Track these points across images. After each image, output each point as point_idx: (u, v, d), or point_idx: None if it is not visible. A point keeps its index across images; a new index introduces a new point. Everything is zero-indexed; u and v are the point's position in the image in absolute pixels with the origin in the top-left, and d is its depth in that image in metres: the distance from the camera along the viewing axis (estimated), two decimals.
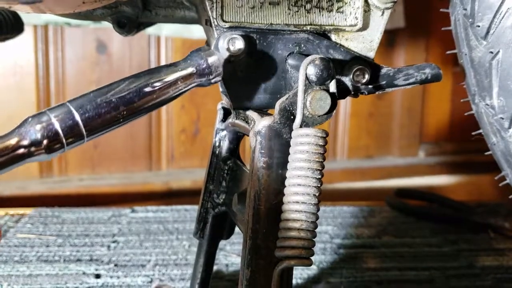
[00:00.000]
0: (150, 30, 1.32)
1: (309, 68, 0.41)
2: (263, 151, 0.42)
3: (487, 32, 0.48)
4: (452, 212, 1.03)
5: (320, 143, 0.40)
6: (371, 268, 0.83)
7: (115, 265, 0.80)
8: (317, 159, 0.40)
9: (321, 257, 0.86)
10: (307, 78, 0.41)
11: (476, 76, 0.51)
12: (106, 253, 0.84)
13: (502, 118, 0.50)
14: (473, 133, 0.56)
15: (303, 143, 0.40)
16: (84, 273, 0.77)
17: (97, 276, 0.77)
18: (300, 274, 0.79)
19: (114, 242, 0.89)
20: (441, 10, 0.53)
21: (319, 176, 0.40)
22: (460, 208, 1.05)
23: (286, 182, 0.40)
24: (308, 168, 0.39)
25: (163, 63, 1.39)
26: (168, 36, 1.36)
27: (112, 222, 0.98)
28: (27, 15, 1.20)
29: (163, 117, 1.41)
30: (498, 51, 0.48)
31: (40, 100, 1.31)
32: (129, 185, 1.38)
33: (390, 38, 1.55)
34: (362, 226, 0.99)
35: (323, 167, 0.40)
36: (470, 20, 0.49)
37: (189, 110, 1.42)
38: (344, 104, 1.58)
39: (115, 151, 1.40)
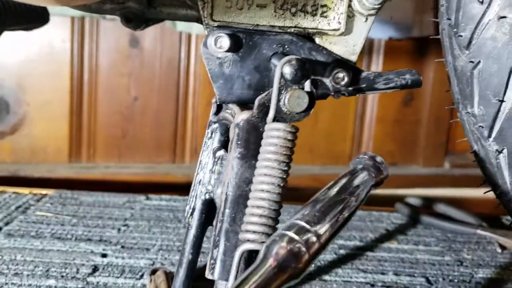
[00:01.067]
0: (181, 27, 1.37)
1: (285, 68, 0.44)
2: (239, 142, 0.45)
3: (469, 42, 0.50)
4: (461, 223, 1.03)
5: (289, 138, 0.43)
6: (368, 270, 0.84)
7: (122, 246, 0.85)
8: (284, 152, 0.42)
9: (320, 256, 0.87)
10: (283, 76, 0.44)
11: (459, 84, 0.53)
12: (116, 235, 0.89)
13: (482, 127, 0.52)
14: (458, 141, 0.57)
15: (273, 136, 0.43)
16: (92, 252, 0.82)
17: (104, 255, 0.82)
18: None
19: (124, 225, 0.93)
20: (429, 19, 0.55)
21: (285, 168, 0.42)
22: (470, 220, 1.04)
23: (255, 172, 0.43)
24: (275, 160, 0.42)
25: (193, 60, 1.43)
26: (198, 34, 1.41)
27: (126, 207, 1.03)
28: (63, 8, 1.26)
29: (189, 113, 1.46)
30: (479, 61, 0.50)
31: (74, 88, 1.38)
32: (152, 175, 1.44)
33: (419, 47, 1.55)
34: (367, 230, 1.01)
35: (290, 159, 0.43)
36: (454, 30, 0.51)
37: None
38: (371, 109, 1.59)
39: (142, 142, 1.46)
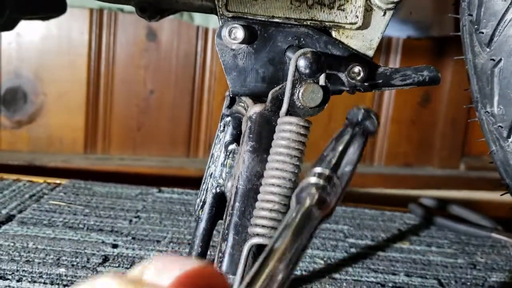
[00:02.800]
0: (198, 21, 1.37)
1: (300, 60, 0.43)
2: (251, 135, 0.45)
3: (491, 39, 0.48)
4: (476, 226, 1.01)
5: (302, 132, 0.42)
6: (378, 270, 0.83)
7: (133, 238, 0.85)
8: (296, 146, 0.42)
9: (330, 253, 0.87)
10: (297, 70, 0.43)
11: (478, 83, 0.51)
12: (127, 226, 0.89)
13: (501, 127, 0.50)
14: (477, 140, 0.56)
15: (285, 130, 0.42)
16: (103, 242, 0.83)
17: (114, 246, 0.82)
18: (306, 267, 0.81)
19: (136, 217, 0.94)
20: (449, 15, 0.54)
21: (297, 163, 0.42)
22: (484, 223, 1.03)
23: (267, 166, 0.43)
24: (287, 154, 0.42)
25: (209, 54, 1.43)
26: (215, 28, 1.41)
27: (138, 199, 1.03)
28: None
29: (204, 107, 1.46)
30: (500, 59, 0.48)
31: (90, 80, 1.39)
32: (166, 169, 1.44)
33: (439, 46, 1.53)
34: (380, 230, 1.00)
35: (302, 154, 0.43)
36: (475, 26, 0.50)
37: None
38: (386, 109, 1.57)
39: (157, 135, 1.46)
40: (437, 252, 0.92)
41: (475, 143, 1.61)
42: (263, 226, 0.41)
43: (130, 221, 0.92)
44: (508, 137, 0.50)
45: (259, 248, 0.41)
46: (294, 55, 0.43)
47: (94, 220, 0.90)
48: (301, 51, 0.43)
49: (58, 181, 1.09)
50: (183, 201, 1.04)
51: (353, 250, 0.89)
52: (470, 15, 0.49)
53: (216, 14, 0.48)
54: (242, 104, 0.50)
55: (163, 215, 0.96)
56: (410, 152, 1.62)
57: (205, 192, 0.59)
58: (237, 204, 0.43)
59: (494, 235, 0.99)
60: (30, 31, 1.35)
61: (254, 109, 0.45)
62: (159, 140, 1.48)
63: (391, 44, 1.50)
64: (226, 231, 0.42)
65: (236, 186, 0.43)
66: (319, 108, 0.46)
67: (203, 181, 0.60)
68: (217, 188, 0.57)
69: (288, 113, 0.44)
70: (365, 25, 0.48)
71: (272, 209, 0.41)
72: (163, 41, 1.42)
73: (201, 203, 0.58)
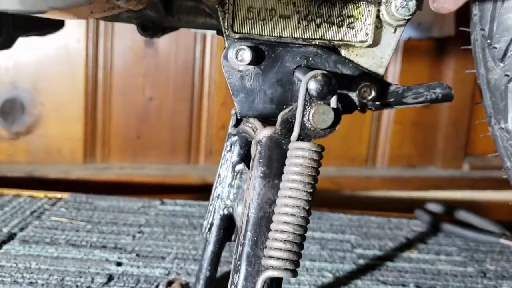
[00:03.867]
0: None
1: (311, 83, 0.42)
2: (261, 160, 0.43)
3: (504, 54, 0.47)
4: (483, 232, 1.00)
5: (315, 157, 0.41)
6: (388, 281, 0.82)
7: (137, 255, 0.84)
8: (310, 173, 0.40)
9: (338, 265, 0.86)
10: (308, 92, 0.42)
11: (491, 98, 0.50)
12: (130, 242, 0.88)
13: None
14: (490, 155, 0.55)
15: (297, 156, 0.41)
16: (107, 260, 0.81)
17: (119, 264, 0.80)
18: (314, 281, 0.80)
19: (139, 232, 0.92)
20: (460, 28, 0.52)
21: (311, 190, 0.40)
22: (492, 228, 1.02)
23: (279, 193, 0.41)
24: (300, 181, 0.40)
25: (207, 60, 1.42)
26: (213, 35, 1.39)
27: (141, 212, 1.01)
28: None
29: (204, 113, 1.44)
30: None
31: (88, 89, 1.37)
32: (167, 177, 1.42)
33: (439, 47, 1.52)
34: (387, 238, 0.98)
35: (316, 181, 0.41)
36: (488, 41, 0.48)
37: (230, 107, 1.44)
38: (388, 111, 1.56)
39: (157, 143, 1.45)
40: (446, 261, 0.91)
41: (478, 142, 1.60)
42: (278, 258, 0.39)
43: (134, 236, 0.90)
44: None
45: (272, 281, 0.40)
46: (305, 78, 0.41)
47: (97, 237, 0.89)
48: (312, 73, 0.42)
49: (59, 195, 1.07)
50: (186, 213, 1.03)
51: (361, 261, 0.88)
52: (482, 29, 0.48)
53: (221, 35, 0.46)
54: (249, 125, 0.49)
55: (166, 229, 0.94)
56: (413, 154, 1.61)
57: (212, 214, 0.57)
58: (248, 233, 0.41)
59: (502, 240, 0.97)
60: (26, 41, 1.33)
61: (264, 133, 0.43)
62: (159, 147, 1.46)
63: None
64: (238, 262, 0.41)
65: (248, 214, 0.42)
66: (330, 130, 0.45)
67: (210, 202, 0.59)
68: (225, 210, 0.56)
69: (300, 137, 0.42)
70: (375, 42, 0.47)
71: (286, 240, 0.39)
72: (161, 47, 1.40)
73: (208, 226, 0.57)
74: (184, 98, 1.43)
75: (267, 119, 0.47)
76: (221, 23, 0.45)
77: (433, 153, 1.61)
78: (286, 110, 0.44)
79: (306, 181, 0.40)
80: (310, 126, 0.44)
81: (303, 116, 0.43)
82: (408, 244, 0.97)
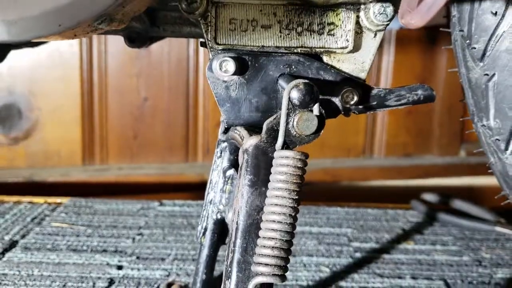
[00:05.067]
0: None
1: (293, 92, 0.43)
2: (248, 169, 0.44)
3: (483, 54, 0.48)
4: (479, 220, 1.01)
5: (299, 165, 0.42)
6: (384, 274, 0.83)
7: (137, 257, 0.85)
8: (294, 181, 0.42)
9: (336, 259, 0.87)
10: (290, 101, 0.43)
11: (473, 96, 0.51)
12: (130, 245, 0.89)
13: (499, 140, 0.50)
14: (475, 151, 0.56)
15: (282, 164, 0.42)
16: (107, 264, 0.83)
17: (119, 267, 0.82)
18: (312, 276, 0.81)
19: (139, 234, 0.94)
20: (441, 29, 0.53)
21: (296, 197, 0.42)
22: (487, 216, 1.03)
23: (266, 201, 0.42)
24: (286, 189, 0.41)
25: (201, 58, 1.42)
26: None
27: (140, 214, 1.03)
28: None
29: (200, 111, 1.45)
30: (494, 74, 0.48)
31: (84, 92, 1.38)
32: (165, 176, 1.44)
33: (431, 35, 1.52)
34: (383, 230, 1.00)
35: (301, 187, 0.42)
36: (467, 41, 0.49)
37: None
38: None
39: (154, 142, 1.46)
40: (442, 251, 0.92)
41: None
42: (266, 265, 0.40)
43: (133, 239, 0.92)
44: (506, 149, 0.50)
45: (262, 286, 0.41)
46: (287, 87, 0.42)
47: (97, 241, 0.90)
48: (293, 83, 0.43)
49: (59, 200, 1.09)
50: (184, 213, 1.04)
51: (358, 254, 0.89)
52: (461, 30, 0.49)
53: (206, 46, 0.47)
54: (237, 132, 0.50)
55: (165, 230, 0.96)
56: (409, 142, 1.62)
57: (206, 219, 0.58)
58: (238, 240, 0.43)
59: (497, 228, 0.99)
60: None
61: (250, 142, 0.44)
62: (157, 147, 1.47)
63: (384, 35, 1.49)
64: (229, 269, 0.42)
65: (237, 222, 0.43)
66: (315, 135, 0.46)
67: (203, 207, 0.60)
68: (218, 214, 0.57)
69: (284, 145, 0.43)
70: (356, 48, 0.48)
71: (274, 247, 0.40)
72: (154, 47, 1.41)
73: (202, 230, 0.58)
74: (179, 96, 1.44)
75: (253, 127, 0.48)
76: (204, 35, 0.46)
77: (429, 141, 1.62)
78: (271, 119, 0.45)
79: (291, 188, 0.41)
80: (295, 133, 0.45)
81: (287, 124, 0.44)
82: (405, 236, 0.98)
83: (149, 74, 1.42)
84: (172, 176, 1.45)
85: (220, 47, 0.47)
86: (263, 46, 0.47)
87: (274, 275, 0.40)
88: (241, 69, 0.47)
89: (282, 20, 0.46)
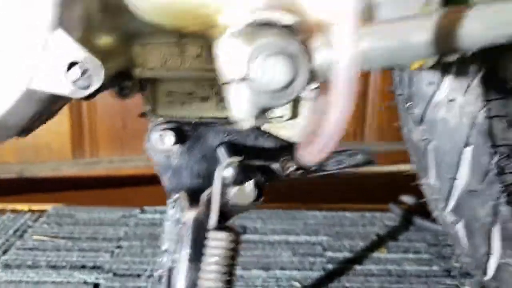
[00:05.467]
0: None
1: (226, 172, 0.43)
2: (187, 243, 0.45)
3: (421, 119, 0.48)
4: None
5: (231, 247, 0.43)
6: (353, 287, 0.85)
7: (114, 274, 0.88)
8: (226, 263, 0.43)
9: (308, 272, 0.89)
10: (224, 180, 0.44)
11: (416, 155, 0.51)
12: (108, 260, 0.92)
13: (438, 199, 0.51)
14: (420, 200, 0.57)
15: (216, 246, 0.43)
16: (85, 282, 0.85)
17: (96, 285, 0.85)
18: None
19: (118, 247, 0.96)
20: (385, 88, 0.53)
21: (229, 278, 0.43)
22: None
23: (202, 276, 0.44)
24: (218, 272, 0.43)
25: None
26: None
27: (121, 224, 1.05)
28: None
29: None
30: (432, 139, 0.48)
31: None
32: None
33: None
34: (358, 237, 1.01)
35: (234, 265, 0.44)
36: (408, 104, 0.49)
37: None
38: (374, 84, 1.55)
39: (143, 132, 1.47)
40: (413, 260, 0.94)
41: None
42: None
43: (112, 252, 0.94)
44: (444, 209, 0.51)
45: None
46: (219, 167, 0.43)
47: (76, 255, 0.93)
48: (226, 162, 0.43)
49: (43, 207, 1.11)
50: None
51: (330, 266, 0.91)
52: (401, 94, 0.49)
53: (145, 117, 0.48)
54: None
55: (144, 241, 0.98)
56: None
57: (161, 267, 0.60)
58: None
59: None
60: None
61: (189, 215, 0.45)
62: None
63: None
64: None
65: None
66: (255, 202, 0.47)
67: (161, 254, 0.61)
68: (173, 263, 0.59)
69: (218, 224, 0.44)
70: (295, 114, 0.48)
71: None
72: None
73: (158, 278, 0.60)
74: None
75: (194, 192, 0.49)
76: (144, 106, 0.47)
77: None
78: (208, 191, 0.46)
79: (223, 271, 0.43)
80: (233, 203, 0.46)
81: (225, 194, 0.45)
82: (379, 242, 1.00)
83: None
84: None
85: (160, 119, 0.47)
86: (201, 117, 0.47)
87: None
88: (181, 139, 0.47)
89: (219, 92, 0.47)
